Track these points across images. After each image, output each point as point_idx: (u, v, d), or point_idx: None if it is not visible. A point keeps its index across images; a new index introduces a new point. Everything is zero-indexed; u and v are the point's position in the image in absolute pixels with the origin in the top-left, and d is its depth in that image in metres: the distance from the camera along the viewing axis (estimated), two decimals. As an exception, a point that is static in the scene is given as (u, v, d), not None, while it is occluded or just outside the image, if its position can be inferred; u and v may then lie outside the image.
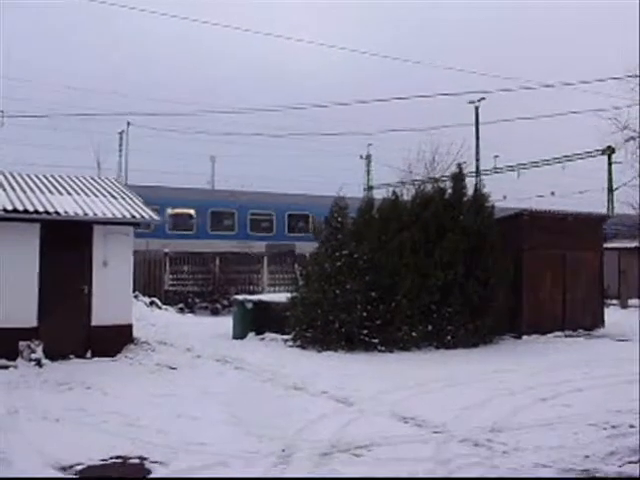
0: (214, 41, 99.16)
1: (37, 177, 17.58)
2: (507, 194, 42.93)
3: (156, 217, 16.59)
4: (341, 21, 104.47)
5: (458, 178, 19.58)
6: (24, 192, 15.75)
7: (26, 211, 14.55)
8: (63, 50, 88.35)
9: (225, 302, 26.88)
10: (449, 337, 17.46)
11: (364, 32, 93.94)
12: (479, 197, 19.42)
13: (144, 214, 16.06)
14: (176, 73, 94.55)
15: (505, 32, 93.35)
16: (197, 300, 27.82)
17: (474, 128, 51.94)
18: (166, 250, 27.83)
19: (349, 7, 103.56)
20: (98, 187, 17.58)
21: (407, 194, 19.50)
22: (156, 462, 7.95)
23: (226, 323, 19.99)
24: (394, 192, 19.39)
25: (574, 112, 40.50)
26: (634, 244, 33.52)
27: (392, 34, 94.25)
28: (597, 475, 7.69)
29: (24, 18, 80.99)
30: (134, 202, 16.68)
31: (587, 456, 8.27)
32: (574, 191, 49.32)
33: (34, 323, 14.67)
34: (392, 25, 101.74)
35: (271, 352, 16.53)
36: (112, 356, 15.08)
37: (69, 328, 15.02)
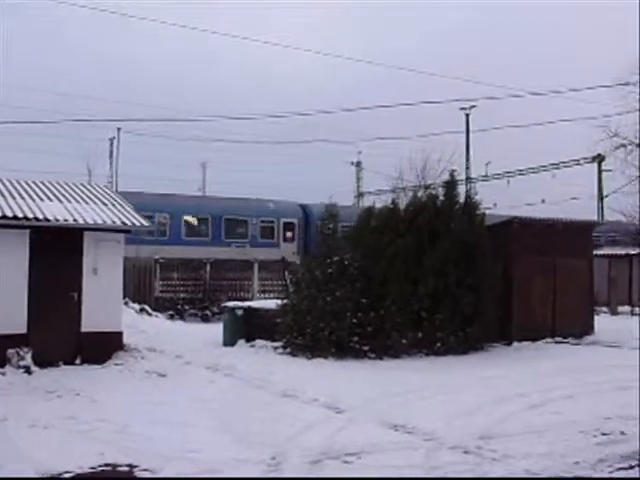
0: (207, 47, 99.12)
1: (27, 183, 17.51)
2: (498, 201, 43.04)
3: (146, 223, 16.54)
4: (336, 30, 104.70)
5: (450, 185, 19.61)
6: (14, 198, 15.68)
7: (16, 217, 14.49)
8: (54, 55, 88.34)
9: (215, 309, 26.79)
10: (439, 344, 17.45)
11: (359, 40, 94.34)
12: (470, 205, 19.45)
13: (135, 221, 16.02)
14: (168, 79, 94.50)
15: (496, 40, 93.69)
16: (187, 307, 27.73)
17: (465, 135, 52.17)
18: (156, 256, 27.78)
19: (344, 15, 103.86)
20: (89, 194, 17.53)
21: (399, 201, 19.51)
22: (146, 470, 7.92)
23: (216, 330, 19.93)
24: (393, 200, 19.42)
25: (564, 120, 40.71)
26: (624, 251, 33.64)
27: (388, 41, 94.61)
28: (587, 482, 7.71)
29: (18, 22, 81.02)
30: (125, 209, 16.63)
31: (577, 463, 8.29)
32: (564, 198, 49.55)
33: (23, 330, 14.60)
34: (388, 32, 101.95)
35: (261, 359, 16.50)
36: (102, 363, 15.03)
37: (58, 335, 14.96)
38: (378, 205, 19.91)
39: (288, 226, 36.30)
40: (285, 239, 36.09)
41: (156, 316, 24.39)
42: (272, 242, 35.48)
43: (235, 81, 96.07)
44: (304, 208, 36.88)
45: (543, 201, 52.48)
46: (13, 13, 64.56)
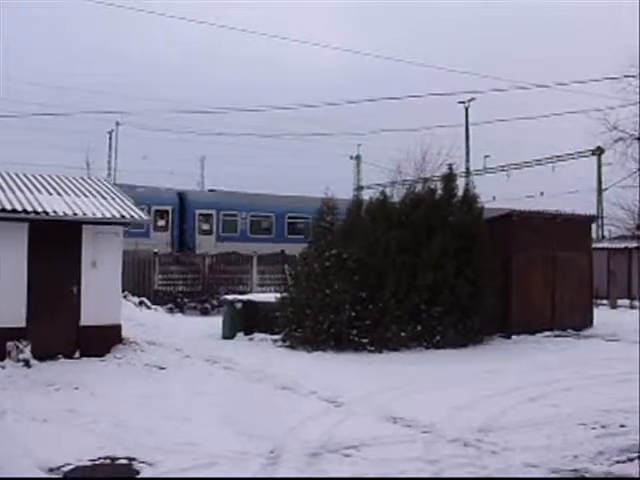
0: (211, 41, 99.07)
1: (26, 177, 17.48)
2: (497, 194, 43.01)
3: (145, 217, 16.52)
4: (338, 22, 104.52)
5: (449, 179, 19.59)
6: (13, 192, 15.66)
7: (14, 210, 14.47)
8: (52, 48, 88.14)
9: (214, 302, 26.81)
10: (438, 337, 17.46)
11: (361, 33, 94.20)
12: (469, 197, 19.44)
13: (133, 214, 16.01)
14: (171, 73, 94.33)
15: (496, 32, 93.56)
16: (186, 300, 27.75)
17: (464, 128, 52.09)
18: (155, 250, 27.78)
19: (346, 9, 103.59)
20: (87, 187, 17.50)
21: (397, 194, 19.51)
22: (145, 463, 7.92)
23: (215, 323, 19.95)
24: (382, 192, 19.41)
25: (560, 113, 40.64)
26: (623, 245, 33.65)
27: (388, 35, 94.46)
28: (586, 475, 7.71)
29: (17, 15, 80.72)
30: (124, 202, 16.61)
31: (576, 456, 8.29)
32: (563, 191, 49.46)
33: (22, 323, 14.59)
34: (389, 26, 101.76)
35: (260, 352, 16.50)
36: (101, 356, 15.03)
37: (58, 328, 14.95)
38: (371, 197, 19.84)
39: (160, 214, 33.69)
40: (156, 228, 33.32)
41: (155, 309, 24.40)
42: (141, 231, 31.59)
43: (244, 77, 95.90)
44: (181, 195, 35.10)
45: (542, 194, 52.46)
46: (13, 5, 64.44)
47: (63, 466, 7.77)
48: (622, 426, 9.72)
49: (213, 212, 34.90)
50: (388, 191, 19.67)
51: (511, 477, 7.66)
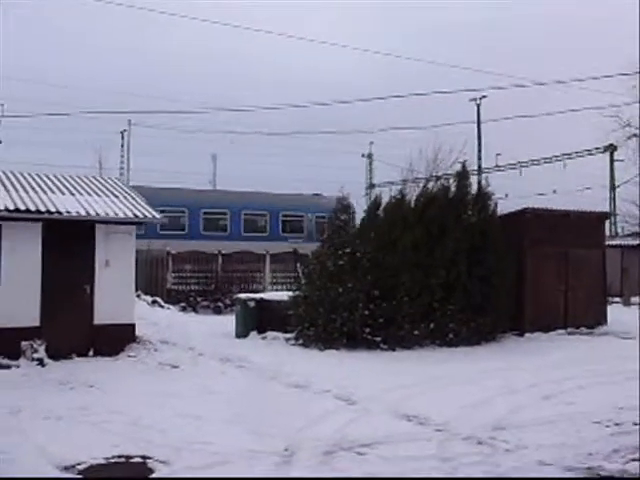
0: (223, 41, 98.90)
1: (39, 177, 17.57)
2: (509, 192, 42.91)
3: (158, 216, 16.54)
4: (349, 21, 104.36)
5: (462, 176, 19.50)
6: (26, 192, 15.73)
7: (28, 210, 14.54)
8: (65, 48, 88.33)
9: (227, 301, 26.82)
10: (451, 335, 17.43)
11: (374, 32, 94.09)
12: (482, 195, 19.39)
13: (146, 213, 16.05)
14: (183, 72, 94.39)
15: (509, 30, 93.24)
16: (199, 299, 27.77)
17: (476, 126, 51.96)
18: (168, 249, 27.81)
19: (358, 8, 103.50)
20: (100, 187, 17.57)
21: (410, 192, 19.45)
22: (159, 461, 7.95)
23: (228, 322, 19.98)
24: (400, 191, 19.32)
25: (575, 110, 40.52)
26: (636, 241, 33.49)
27: (400, 34, 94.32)
28: (600, 473, 7.68)
29: (27, 14, 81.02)
30: (136, 201, 16.65)
31: (590, 454, 8.27)
32: (576, 189, 49.31)
33: (37, 323, 14.67)
34: (400, 25, 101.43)
35: (273, 351, 16.51)
36: (114, 355, 15.07)
37: (71, 327, 15.01)
38: (387, 196, 19.83)
39: None
40: None
41: (168, 308, 24.41)
42: None
43: (256, 76, 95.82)
44: None
45: (555, 191, 52.30)
46: (16, 6, 64.62)
47: (77, 464, 7.81)
48: (635, 424, 9.68)
49: None
50: (401, 190, 19.60)
51: (525, 477, 7.64)
